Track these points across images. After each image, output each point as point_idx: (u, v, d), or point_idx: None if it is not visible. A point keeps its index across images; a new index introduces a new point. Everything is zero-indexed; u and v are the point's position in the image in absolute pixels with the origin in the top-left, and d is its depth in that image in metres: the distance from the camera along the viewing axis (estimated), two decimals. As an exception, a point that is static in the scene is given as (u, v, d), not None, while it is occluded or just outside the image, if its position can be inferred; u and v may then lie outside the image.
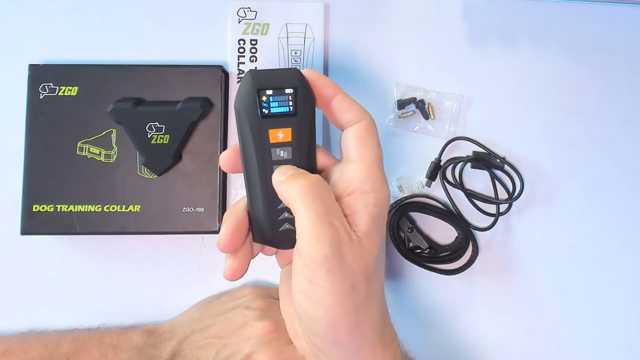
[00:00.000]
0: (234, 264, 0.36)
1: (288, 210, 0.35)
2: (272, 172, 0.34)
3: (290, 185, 0.33)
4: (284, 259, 0.40)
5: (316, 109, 0.36)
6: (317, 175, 0.34)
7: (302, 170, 0.34)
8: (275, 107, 0.34)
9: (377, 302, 0.35)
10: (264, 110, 0.33)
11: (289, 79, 0.34)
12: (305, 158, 0.35)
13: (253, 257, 0.38)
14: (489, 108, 0.50)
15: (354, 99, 0.36)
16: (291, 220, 0.35)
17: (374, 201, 0.33)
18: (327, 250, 0.31)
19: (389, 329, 0.36)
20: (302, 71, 0.35)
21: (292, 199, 0.32)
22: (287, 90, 0.34)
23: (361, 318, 0.33)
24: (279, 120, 0.34)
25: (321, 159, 0.37)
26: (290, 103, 0.34)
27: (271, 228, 0.36)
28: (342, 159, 0.36)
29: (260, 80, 0.34)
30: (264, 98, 0.33)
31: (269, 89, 0.33)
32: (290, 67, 0.50)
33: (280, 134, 0.34)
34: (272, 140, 0.34)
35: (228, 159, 0.36)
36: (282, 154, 0.34)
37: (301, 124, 0.34)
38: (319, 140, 0.50)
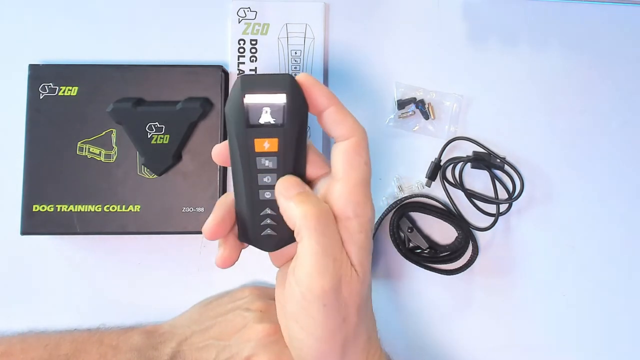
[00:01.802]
0: (224, 252, 0.36)
1: (271, 216, 0.35)
2: (257, 179, 0.34)
3: (297, 207, 0.32)
4: (278, 259, 0.39)
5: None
6: (326, 205, 0.33)
7: (308, 189, 0.34)
8: (262, 116, 0.32)
9: (365, 327, 0.35)
10: (250, 118, 0.32)
11: (280, 86, 0.32)
12: (290, 168, 0.34)
13: (244, 248, 0.38)
14: (489, 108, 0.50)
15: (348, 112, 0.34)
16: (274, 227, 0.35)
17: (358, 227, 0.33)
18: (326, 284, 0.31)
19: (375, 347, 0.36)
20: (297, 77, 0.33)
21: (299, 225, 0.32)
22: (277, 99, 0.32)
23: (348, 347, 0.33)
24: (266, 129, 0.32)
25: (314, 166, 0.36)
26: (279, 112, 0.32)
27: (254, 231, 0.36)
28: (331, 174, 0.35)
29: (249, 87, 0.32)
30: (251, 105, 0.32)
31: (257, 95, 0.32)
32: (291, 67, 0.50)
33: (266, 144, 0.33)
34: (257, 150, 0.33)
35: (221, 151, 0.36)
36: (267, 163, 0.33)
37: (288, 134, 0.33)
38: (319, 145, 0.50)
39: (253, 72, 0.50)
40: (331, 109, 0.33)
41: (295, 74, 0.50)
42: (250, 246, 0.37)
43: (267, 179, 0.34)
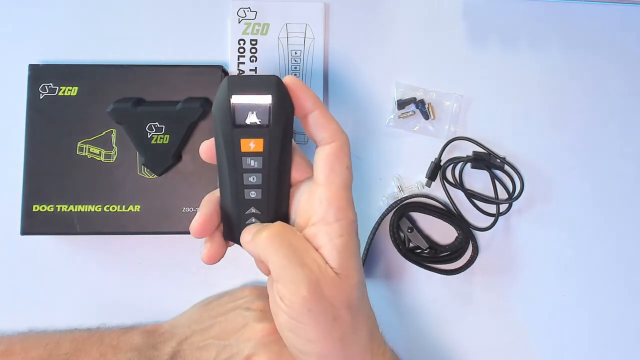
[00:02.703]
0: (211, 248, 0.37)
1: (255, 215, 0.36)
2: (243, 179, 0.34)
3: (256, 241, 0.34)
4: (264, 266, 0.39)
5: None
6: (279, 222, 0.35)
7: (265, 224, 0.35)
8: (248, 116, 0.33)
9: (364, 323, 0.35)
10: (237, 119, 0.33)
11: (266, 88, 0.33)
12: (275, 168, 0.34)
13: (230, 246, 0.38)
14: (489, 108, 0.50)
15: (332, 117, 0.35)
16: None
17: (339, 231, 0.33)
18: (304, 291, 0.32)
19: (379, 342, 0.37)
20: (284, 79, 0.34)
21: (262, 251, 0.33)
22: (263, 100, 0.33)
23: (349, 344, 0.34)
24: (251, 130, 0.33)
25: (299, 169, 0.36)
26: (264, 113, 0.33)
27: (239, 230, 0.36)
28: (313, 178, 0.35)
29: (236, 87, 0.33)
30: (238, 106, 0.33)
31: (243, 97, 0.33)
32: (291, 67, 0.50)
33: (252, 144, 0.33)
34: (243, 150, 0.33)
35: (208, 148, 0.36)
36: (253, 163, 0.34)
37: (273, 135, 0.33)
38: (311, 147, 0.49)
39: (252, 73, 0.50)
40: (316, 112, 0.34)
41: (296, 74, 0.50)
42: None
43: (252, 179, 0.34)
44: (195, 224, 0.36)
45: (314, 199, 0.34)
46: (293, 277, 0.32)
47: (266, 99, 0.33)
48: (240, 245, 0.37)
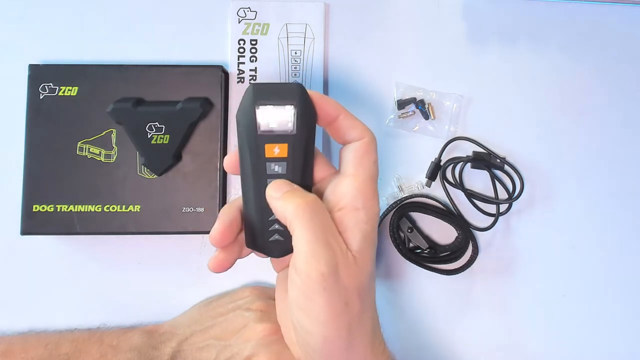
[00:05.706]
0: (220, 256, 0.37)
1: (279, 222, 0.36)
2: (266, 185, 0.35)
3: (286, 203, 0.34)
4: (279, 264, 0.40)
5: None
6: (313, 195, 0.35)
7: (296, 186, 0.35)
8: (273, 124, 0.34)
9: (369, 316, 0.35)
10: (262, 126, 0.34)
11: (290, 95, 0.34)
12: (299, 174, 0.35)
13: (241, 257, 0.38)
14: (489, 108, 0.50)
15: (356, 117, 0.36)
16: (281, 232, 0.36)
17: (365, 218, 0.34)
18: (324, 268, 0.32)
19: (380, 340, 0.37)
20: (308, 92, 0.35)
21: (290, 217, 0.33)
22: (287, 107, 0.34)
23: (354, 333, 0.34)
24: (276, 135, 0.34)
25: (321, 168, 0.37)
26: (289, 120, 0.34)
27: (262, 237, 0.36)
28: (340, 172, 0.36)
29: (261, 95, 0.34)
30: (263, 113, 0.34)
31: (268, 104, 0.33)
32: (291, 67, 0.50)
33: (277, 150, 0.34)
34: (267, 155, 0.34)
35: (231, 160, 0.37)
36: (277, 168, 0.34)
37: (298, 140, 0.34)
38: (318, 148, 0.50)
39: (256, 77, 0.50)
40: (343, 115, 0.35)
41: (296, 74, 0.50)
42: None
43: None
44: (215, 232, 0.36)
45: (339, 189, 0.35)
46: (316, 252, 0.32)
47: (291, 107, 0.34)
48: (265, 254, 0.37)
